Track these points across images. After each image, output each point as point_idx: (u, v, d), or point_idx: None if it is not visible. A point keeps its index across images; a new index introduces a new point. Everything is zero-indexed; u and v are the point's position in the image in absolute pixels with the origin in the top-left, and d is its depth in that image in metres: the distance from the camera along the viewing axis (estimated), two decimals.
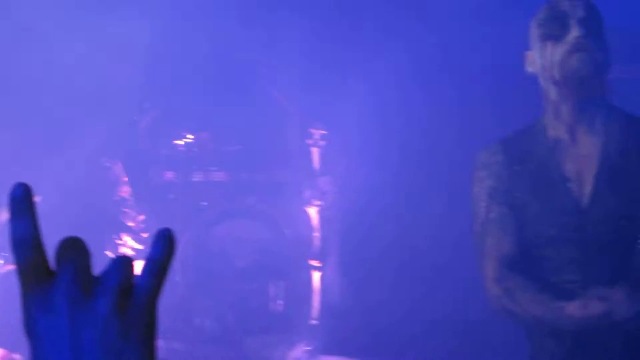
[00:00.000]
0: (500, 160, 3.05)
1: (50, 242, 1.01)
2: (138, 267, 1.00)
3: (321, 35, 5.12)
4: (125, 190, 4.82)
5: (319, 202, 5.01)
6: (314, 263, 4.98)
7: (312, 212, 5.01)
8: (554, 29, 2.99)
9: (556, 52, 2.96)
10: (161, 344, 4.12)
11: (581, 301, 2.79)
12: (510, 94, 4.71)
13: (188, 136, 4.91)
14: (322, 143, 5.03)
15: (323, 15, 5.16)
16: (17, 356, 4.26)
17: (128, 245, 4.75)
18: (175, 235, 1.00)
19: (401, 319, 4.90)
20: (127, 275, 0.98)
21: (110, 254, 4.57)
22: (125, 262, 1.00)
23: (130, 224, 4.78)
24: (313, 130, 5.05)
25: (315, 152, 5.04)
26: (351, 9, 5.25)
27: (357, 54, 5.14)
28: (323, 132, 5.04)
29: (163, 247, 0.99)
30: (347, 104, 5.04)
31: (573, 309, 2.80)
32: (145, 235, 4.78)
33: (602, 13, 3.03)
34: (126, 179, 4.83)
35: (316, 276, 4.98)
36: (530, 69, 3.08)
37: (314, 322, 4.85)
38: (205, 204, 4.93)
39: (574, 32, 2.94)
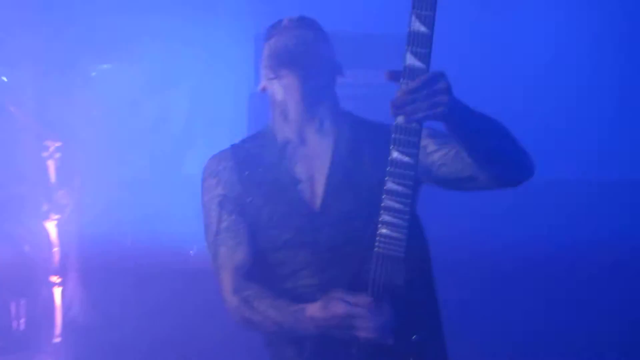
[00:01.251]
0: (229, 166, 3.01)
1: None
2: None
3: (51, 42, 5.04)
4: None
5: (57, 216, 4.91)
6: (54, 279, 4.89)
7: (51, 226, 4.91)
8: (272, 30, 2.99)
9: (270, 42, 2.97)
10: None
11: (322, 302, 2.73)
12: None
13: None
14: (57, 156, 4.93)
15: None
16: None
17: None
18: None
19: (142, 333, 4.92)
20: None
21: None
22: None
23: None
24: (48, 143, 4.95)
25: (51, 165, 4.94)
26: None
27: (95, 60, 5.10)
28: (58, 144, 4.95)
29: None
30: (81, 115, 5.01)
31: (314, 310, 2.74)
32: None
33: (317, 23, 3.04)
34: None
35: (57, 292, 4.89)
36: (261, 86, 3.06)
37: (56, 339, 4.76)
38: None
39: (285, 21, 2.96)
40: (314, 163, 2.97)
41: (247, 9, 5.12)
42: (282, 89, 2.96)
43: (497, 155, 2.73)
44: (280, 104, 2.99)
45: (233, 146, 3.07)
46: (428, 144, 2.86)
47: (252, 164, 3.00)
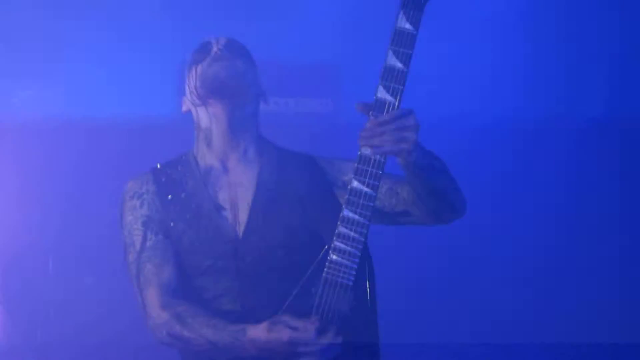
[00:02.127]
0: (152, 190, 3.01)
1: None
2: None
3: None
4: None
5: None
6: None
7: None
8: (197, 57, 2.98)
9: (199, 69, 2.96)
10: None
11: (266, 325, 2.72)
12: None
13: None
14: None
15: None
16: None
17: None
18: None
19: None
20: None
21: None
22: None
23: None
24: None
25: None
26: None
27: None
28: None
29: None
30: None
31: (256, 332, 2.73)
32: None
33: (246, 50, 3.05)
34: None
35: None
36: (184, 108, 3.08)
37: None
38: None
39: (214, 47, 2.95)
40: (237, 191, 3.00)
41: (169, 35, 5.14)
42: (208, 117, 2.98)
43: (440, 192, 2.82)
44: (204, 130, 3.01)
45: (153, 170, 3.07)
46: None
47: (174, 189, 3.01)
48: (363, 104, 2.62)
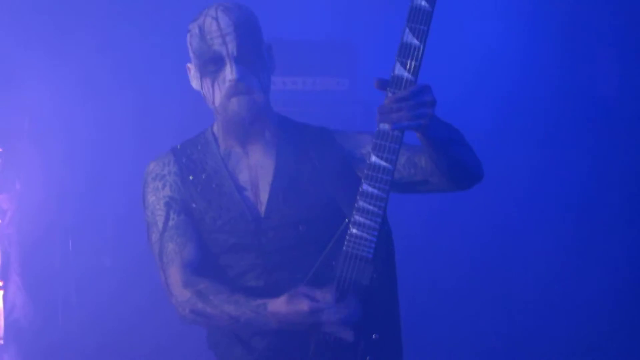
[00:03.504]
0: (173, 171, 3.03)
1: None
2: None
3: None
4: None
5: None
6: None
7: None
8: (209, 67, 2.96)
9: (216, 92, 2.96)
10: None
11: (286, 297, 2.71)
12: None
13: None
14: None
15: None
16: None
17: None
18: None
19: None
20: None
21: None
22: None
23: None
24: None
25: None
26: None
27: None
28: None
29: None
30: (22, 120, 5.02)
31: (277, 305, 2.72)
32: None
33: (259, 27, 3.02)
34: None
35: None
36: (194, 84, 3.06)
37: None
38: None
39: (229, 75, 2.92)
40: (258, 172, 3.02)
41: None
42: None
43: (460, 162, 2.84)
44: (222, 121, 3.02)
45: (174, 150, 3.09)
46: None
47: (195, 170, 3.03)
48: (380, 80, 2.63)
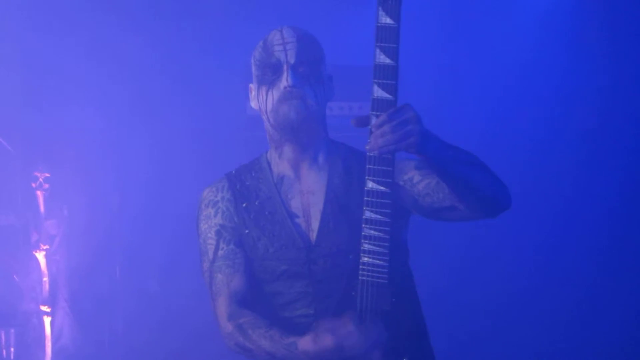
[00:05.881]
0: (226, 198, 3.06)
1: None
2: None
3: None
4: None
5: (46, 246, 4.99)
6: (44, 308, 4.98)
7: (40, 256, 4.99)
8: (267, 75, 2.99)
9: (269, 99, 2.97)
10: None
11: (311, 335, 2.78)
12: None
13: None
14: (46, 186, 4.99)
15: None
16: None
17: None
18: None
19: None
20: None
21: None
22: None
23: None
24: (37, 174, 5.01)
25: (40, 195, 5.00)
26: None
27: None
28: (47, 175, 5.00)
29: None
30: (69, 146, 5.06)
31: (305, 344, 2.79)
32: None
33: (321, 50, 3.03)
34: None
35: (47, 321, 4.98)
36: (253, 104, 3.10)
37: None
38: None
39: (284, 81, 2.95)
40: (309, 199, 3.01)
41: None
42: (277, 131, 3.00)
43: (473, 185, 2.78)
44: (276, 142, 3.04)
45: (228, 176, 3.10)
46: (414, 176, 2.92)
47: (248, 197, 3.05)
48: (358, 119, 2.61)
